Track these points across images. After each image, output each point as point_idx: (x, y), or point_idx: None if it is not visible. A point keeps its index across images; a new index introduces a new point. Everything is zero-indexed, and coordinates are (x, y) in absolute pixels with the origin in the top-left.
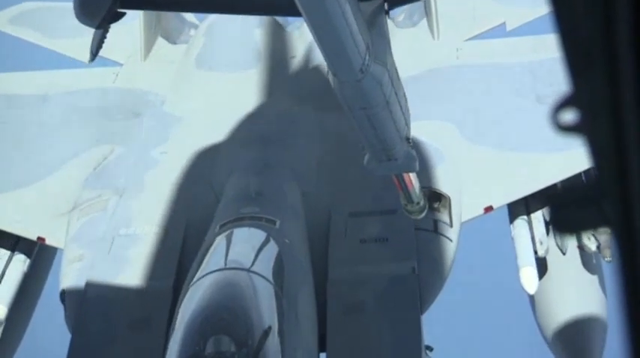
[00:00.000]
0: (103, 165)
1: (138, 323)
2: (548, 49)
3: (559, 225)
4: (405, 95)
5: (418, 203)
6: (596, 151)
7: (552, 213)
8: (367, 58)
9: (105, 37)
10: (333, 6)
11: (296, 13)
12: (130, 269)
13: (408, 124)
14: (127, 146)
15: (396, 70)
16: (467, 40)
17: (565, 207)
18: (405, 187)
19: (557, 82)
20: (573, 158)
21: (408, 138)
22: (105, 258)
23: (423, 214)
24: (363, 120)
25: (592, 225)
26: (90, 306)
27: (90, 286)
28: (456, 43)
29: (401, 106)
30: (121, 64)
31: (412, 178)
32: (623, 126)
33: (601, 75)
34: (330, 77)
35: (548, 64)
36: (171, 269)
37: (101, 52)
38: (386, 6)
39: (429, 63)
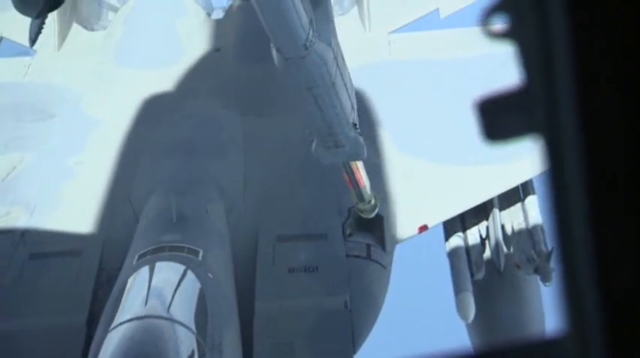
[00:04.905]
0: (12, 176)
1: None
2: (482, 43)
3: (488, 132)
4: (351, 79)
5: (370, 201)
6: (524, 56)
7: (481, 121)
8: (311, 33)
9: (44, 24)
10: None
11: None
12: (41, 301)
13: (354, 109)
14: (39, 153)
15: (341, 52)
16: (399, 31)
17: (493, 114)
18: (356, 184)
19: (491, 81)
20: (510, 171)
21: (355, 124)
22: (13, 289)
23: (375, 213)
24: (309, 102)
25: (521, 132)
26: None
27: None
28: (387, 35)
29: (347, 89)
30: (32, 50)
31: (363, 176)
32: (551, 29)
33: None
34: (274, 54)
35: (481, 61)
36: (85, 301)
37: (10, 36)
38: None
39: (360, 59)
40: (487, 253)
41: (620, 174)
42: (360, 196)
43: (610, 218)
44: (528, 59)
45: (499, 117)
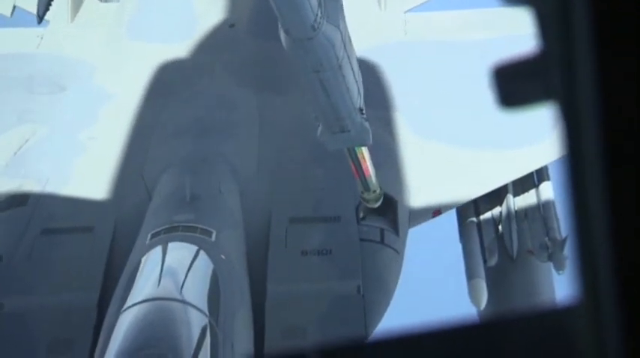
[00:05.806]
0: (25, 149)
1: (59, 345)
2: (500, 25)
3: (504, 98)
4: (357, 64)
5: (375, 191)
6: (542, 21)
7: (496, 87)
8: (319, 14)
9: (52, 0)
10: None
11: None
12: (53, 278)
13: (360, 94)
14: (51, 127)
15: (349, 36)
16: (415, 10)
17: (510, 80)
18: (361, 173)
19: None
20: (525, 157)
21: (361, 109)
22: (25, 264)
23: (379, 203)
24: (315, 85)
25: (537, 98)
26: (7, 323)
27: (7, 299)
28: (403, 14)
29: (354, 73)
30: (45, 21)
31: (369, 164)
32: None
33: None
34: (282, 35)
35: (498, 42)
36: (97, 279)
37: (25, 6)
38: None
39: (375, 38)
40: (500, 239)
41: (636, 137)
42: (366, 185)
43: (626, 182)
44: (546, 23)
45: (515, 84)
